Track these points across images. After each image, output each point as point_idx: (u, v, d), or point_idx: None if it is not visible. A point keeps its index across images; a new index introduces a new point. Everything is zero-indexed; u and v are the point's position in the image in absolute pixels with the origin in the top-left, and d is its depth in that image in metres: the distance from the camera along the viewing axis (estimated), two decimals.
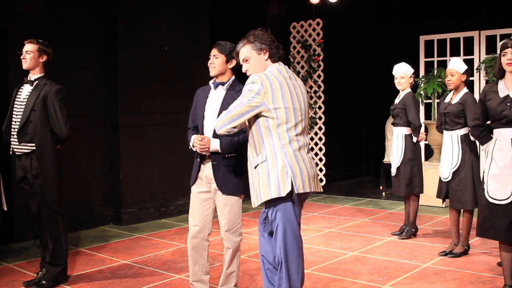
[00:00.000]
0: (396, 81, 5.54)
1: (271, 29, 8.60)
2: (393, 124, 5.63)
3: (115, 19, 6.37)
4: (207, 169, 3.57)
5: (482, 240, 5.37)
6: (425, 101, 7.64)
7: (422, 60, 8.02)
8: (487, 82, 7.25)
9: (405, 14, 9.00)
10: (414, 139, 5.46)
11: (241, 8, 8.36)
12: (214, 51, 3.58)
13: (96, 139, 6.38)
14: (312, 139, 8.57)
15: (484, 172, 3.80)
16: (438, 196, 4.99)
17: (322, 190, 3.34)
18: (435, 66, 7.82)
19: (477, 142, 4.26)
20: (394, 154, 5.54)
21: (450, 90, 4.91)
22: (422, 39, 8.03)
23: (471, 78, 7.42)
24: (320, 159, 8.52)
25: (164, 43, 6.76)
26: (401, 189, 5.50)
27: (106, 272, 4.58)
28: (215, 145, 3.47)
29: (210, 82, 3.65)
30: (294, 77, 3.19)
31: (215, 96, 3.58)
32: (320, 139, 8.52)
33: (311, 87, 8.49)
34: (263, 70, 3.12)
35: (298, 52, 8.58)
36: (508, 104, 3.61)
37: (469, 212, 4.78)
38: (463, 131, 4.72)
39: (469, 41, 7.63)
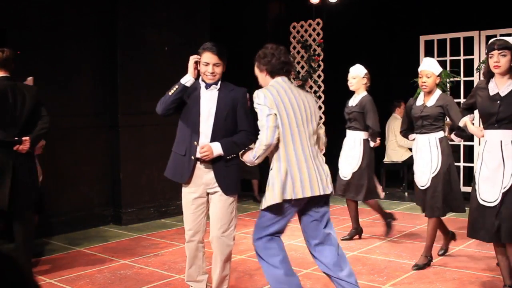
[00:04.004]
0: (348, 82, 5.53)
1: (271, 29, 8.62)
2: (349, 128, 5.48)
3: (115, 19, 6.37)
4: (206, 174, 3.49)
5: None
6: None
7: (422, 60, 8.02)
8: None
9: (405, 14, 8.99)
10: (372, 144, 5.34)
11: (241, 8, 8.36)
12: (215, 59, 3.41)
13: (96, 139, 6.38)
14: None
15: (475, 173, 3.77)
16: (418, 204, 4.73)
17: (330, 192, 3.28)
18: None
19: (457, 144, 4.18)
20: (349, 158, 5.36)
21: (429, 92, 4.55)
22: (422, 39, 8.03)
23: (471, 78, 7.46)
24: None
25: (164, 43, 6.76)
26: (359, 195, 5.34)
27: (106, 272, 4.58)
28: (218, 149, 3.41)
29: (200, 81, 3.54)
30: (295, 87, 3.42)
31: (208, 96, 3.50)
32: None
33: (311, 87, 8.49)
34: (266, 86, 3.38)
35: (298, 52, 8.58)
36: (498, 102, 3.55)
37: (437, 219, 4.57)
38: (441, 134, 4.53)
39: (469, 41, 7.63)
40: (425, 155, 4.50)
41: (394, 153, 8.38)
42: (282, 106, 3.20)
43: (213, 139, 3.43)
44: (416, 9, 8.80)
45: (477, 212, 3.66)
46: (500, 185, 3.53)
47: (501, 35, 7.18)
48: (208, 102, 3.48)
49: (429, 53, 8.01)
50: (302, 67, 8.54)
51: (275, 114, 3.17)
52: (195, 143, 3.46)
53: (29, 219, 4.20)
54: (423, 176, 4.52)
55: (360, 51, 9.83)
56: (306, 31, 8.54)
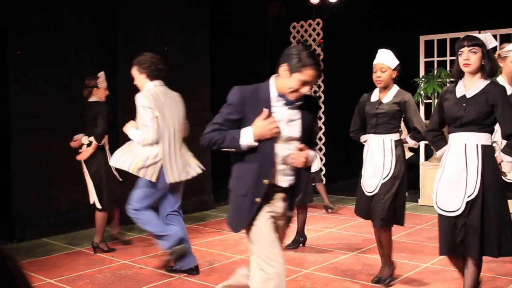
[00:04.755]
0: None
1: (271, 29, 8.62)
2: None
3: (115, 19, 6.38)
4: (278, 202, 2.78)
5: None
6: (425, 101, 7.64)
7: (422, 60, 8.02)
8: None
9: (405, 14, 9.00)
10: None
11: (241, 8, 8.36)
12: (316, 78, 2.80)
13: None
14: None
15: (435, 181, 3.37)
16: (359, 213, 4.23)
17: (186, 178, 4.31)
18: (435, 66, 7.82)
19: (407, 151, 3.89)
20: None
21: (384, 88, 4.11)
22: (422, 39, 8.03)
23: None
24: (320, 159, 8.52)
25: (164, 43, 6.76)
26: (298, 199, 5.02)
27: (106, 272, 4.57)
28: (310, 161, 2.75)
29: (276, 94, 2.71)
30: (168, 89, 4.39)
31: (288, 115, 2.72)
32: (320, 139, 8.52)
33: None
34: (143, 86, 4.32)
35: None
36: (464, 104, 3.23)
37: (388, 229, 4.17)
38: (397, 136, 4.04)
39: None
40: (377, 158, 4.00)
41: None
42: (161, 107, 4.17)
43: (294, 169, 2.78)
44: (416, 9, 8.81)
45: (441, 225, 3.31)
46: (463, 193, 3.19)
47: (501, 35, 7.19)
48: (289, 123, 2.72)
49: (429, 53, 8.02)
50: None
51: (157, 117, 4.12)
52: (265, 181, 2.67)
53: None
54: (371, 181, 4.01)
55: (360, 51, 9.84)
56: (306, 31, 8.54)
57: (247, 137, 2.64)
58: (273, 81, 2.77)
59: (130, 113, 6.46)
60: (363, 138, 4.26)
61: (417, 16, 8.80)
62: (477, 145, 3.20)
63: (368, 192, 4.04)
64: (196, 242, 5.50)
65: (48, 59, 5.81)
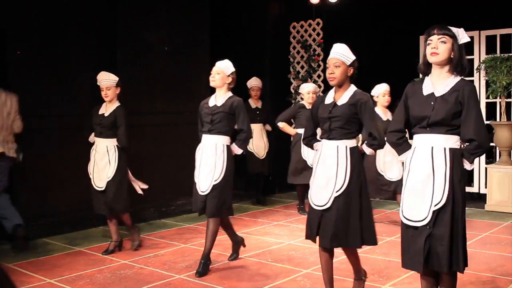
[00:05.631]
0: (210, 76, 4.60)
1: (271, 29, 8.63)
2: (210, 131, 4.48)
3: (115, 19, 6.38)
4: None
5: (482, 240, 5.38)
6: None
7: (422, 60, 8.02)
8: (487, 82, 7.25)
9: (404, 14, 8.99)
10: (239, 151, 4.57)
11: (241, 8, 8.36)
12: None
13: None
14: None
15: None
16: (308, 233, 3.62)
17: None
18: None
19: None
20: (209, 169, 4.44)
21: (333, 87, 3.65)
22: (422, 39, 8.03)
23: (471, 78, 7.45)
24: None
25: (164, 43, 6.76)
26: (215, 211, 4.44)
27: (106, 272, 4.58)
28: None
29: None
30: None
31: None
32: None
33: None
34: None
35: (298, 52, 8.58)
36: (432, 103, 2.94)
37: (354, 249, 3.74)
38: (353, 142, 3.56)
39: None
40: (330, 167, 3.51)
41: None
42: None
43: None
44: (416, 9, 8.80)
45: (405, 236, 3.04)
46: (429, 200, 2.91)
47: (501, 35, 7.19)
48: None
49: None
50: (302, 67, 8.54)
51: None
52: None
53: None
54: (322, 193, 3.49)
55: (359, 51, 9.83)
56: (306, 31, 8.54)
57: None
58: None
59: (130, 113, 6.47)
60: (316, 146, 3.74)
61: (417, 16, 8.80)
62: (445, 148, 2.92)
63: (317, 206, 3.51)
64: (196, 242, 5.50)
65: (48, 59, 5.82)
